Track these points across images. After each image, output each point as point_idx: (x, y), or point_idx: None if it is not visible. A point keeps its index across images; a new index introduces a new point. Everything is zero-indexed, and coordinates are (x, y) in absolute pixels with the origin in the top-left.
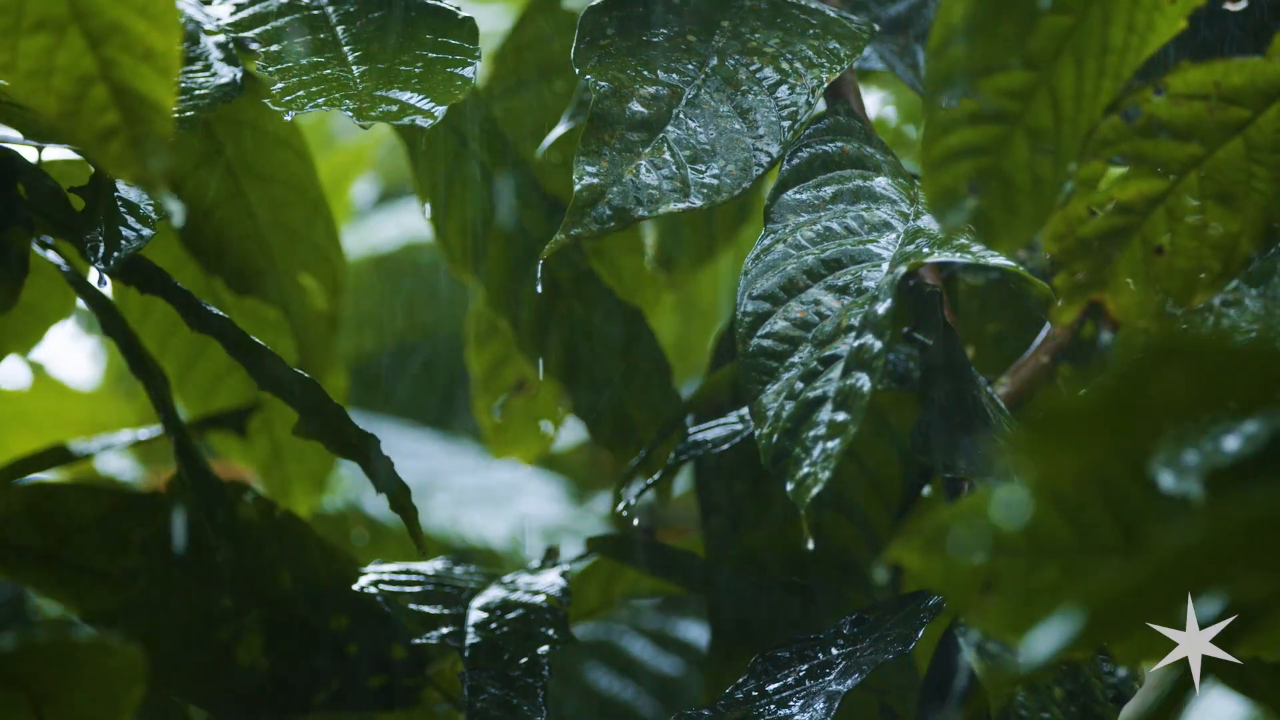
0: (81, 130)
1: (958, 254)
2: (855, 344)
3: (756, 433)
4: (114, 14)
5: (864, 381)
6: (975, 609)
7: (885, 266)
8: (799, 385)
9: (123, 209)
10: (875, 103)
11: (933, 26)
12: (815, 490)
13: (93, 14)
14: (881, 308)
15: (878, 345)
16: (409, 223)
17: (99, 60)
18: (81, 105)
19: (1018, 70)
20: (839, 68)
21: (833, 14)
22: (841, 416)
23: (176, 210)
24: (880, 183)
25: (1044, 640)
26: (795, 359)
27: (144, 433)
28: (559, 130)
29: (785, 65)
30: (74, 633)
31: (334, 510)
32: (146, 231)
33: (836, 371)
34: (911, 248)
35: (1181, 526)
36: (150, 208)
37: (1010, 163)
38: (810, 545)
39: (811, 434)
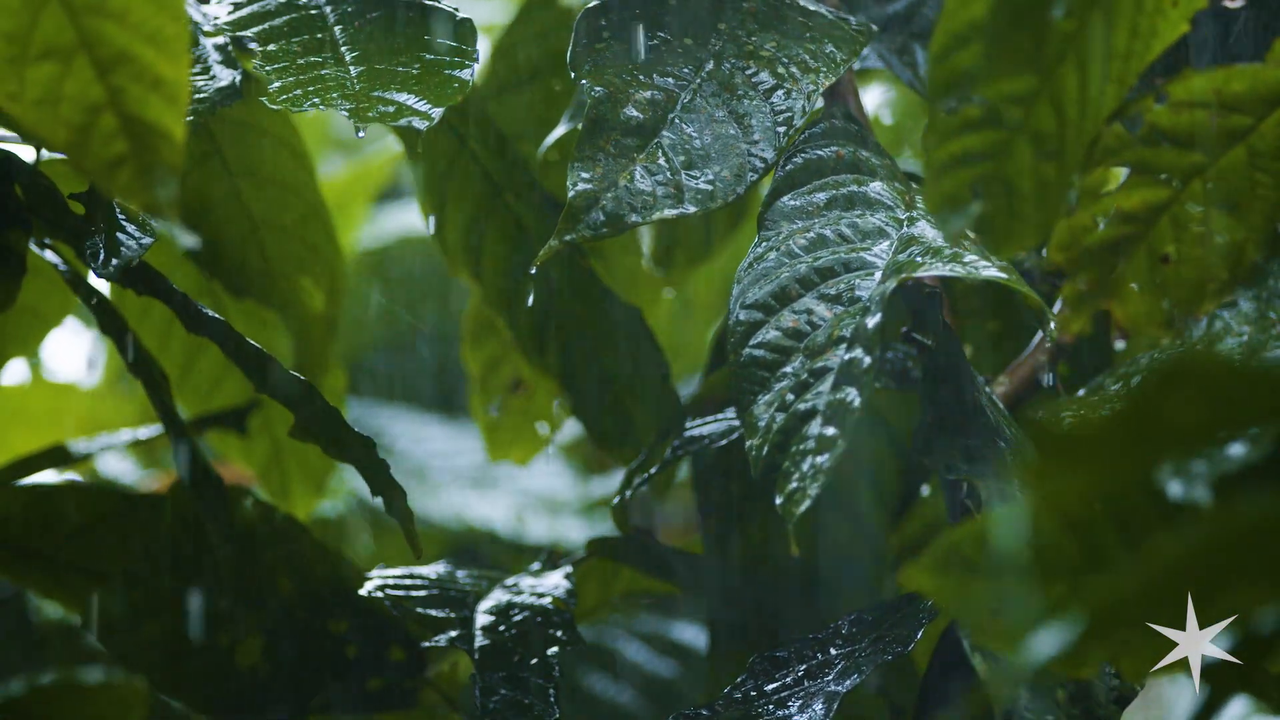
0: (90, 159)
1: (950, 264)
2: (846, 357)
3: (747, 444)
4: (122, 42)
5: (854, 396)
6: (985, 628)
7: (878, 275)
8: (790, 397)
9: (122, 216)
10: (873, 101)
11: (935, 32)
12: (804, 506)
13: (101, 42)
14: (871, 322)
15: (867, 360)
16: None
17: (107, 89)
18: (90, 134)
19: (1020, 75)
20: (835, 72)
21: (830, 16)
22: (831, 431)
23: (190, 239)
24: (875, 188)
25: (1046, 646)
26: (787, 369)
27: (144, 432)
28: (559, 131)
29: (781, 70)
30: (78, 673)
31: (335, 508)
32: (146, 239)
33: (827, 384)
34: (904, 256)
35: (1182, 532)
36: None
37: (1013, 168)
38: (795, 552)
39: (801, 448)
